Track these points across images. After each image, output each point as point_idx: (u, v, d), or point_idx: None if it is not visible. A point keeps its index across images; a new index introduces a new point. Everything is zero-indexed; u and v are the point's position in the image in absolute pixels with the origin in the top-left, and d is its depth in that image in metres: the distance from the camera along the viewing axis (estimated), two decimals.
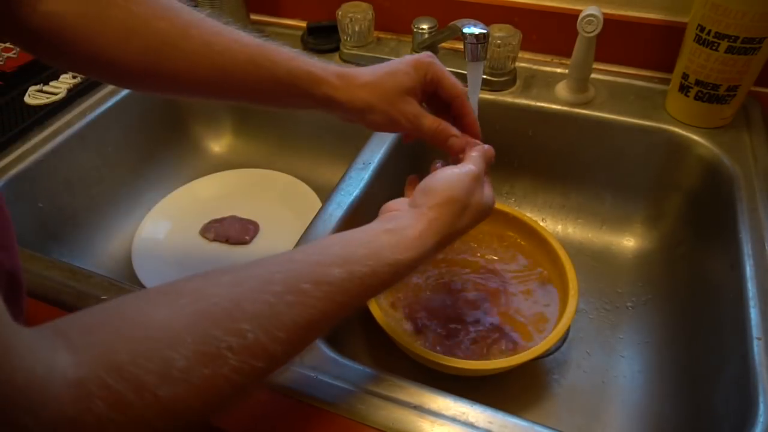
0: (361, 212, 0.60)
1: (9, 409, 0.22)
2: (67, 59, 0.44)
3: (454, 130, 0.49)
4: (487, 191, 0.45)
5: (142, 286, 0.68)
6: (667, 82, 0.72)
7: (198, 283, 0.31)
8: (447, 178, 0.42)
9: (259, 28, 0.84)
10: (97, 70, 0.45)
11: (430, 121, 0.48)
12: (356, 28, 0.80)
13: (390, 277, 0.36)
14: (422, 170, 0.77)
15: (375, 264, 0.35)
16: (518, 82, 0.76)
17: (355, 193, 0.61)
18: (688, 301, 0.64)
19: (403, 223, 0.39)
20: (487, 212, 0.45)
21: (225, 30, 0.45)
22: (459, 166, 0.44)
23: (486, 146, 0.48)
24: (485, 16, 0.76)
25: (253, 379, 0.30)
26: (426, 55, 0.49)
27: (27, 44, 0.44)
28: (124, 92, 0.78)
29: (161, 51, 0.43)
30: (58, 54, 0.44)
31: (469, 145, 0.48)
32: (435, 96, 0.50)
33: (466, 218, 0.42)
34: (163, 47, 0.43)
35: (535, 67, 0.79)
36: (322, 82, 0.46)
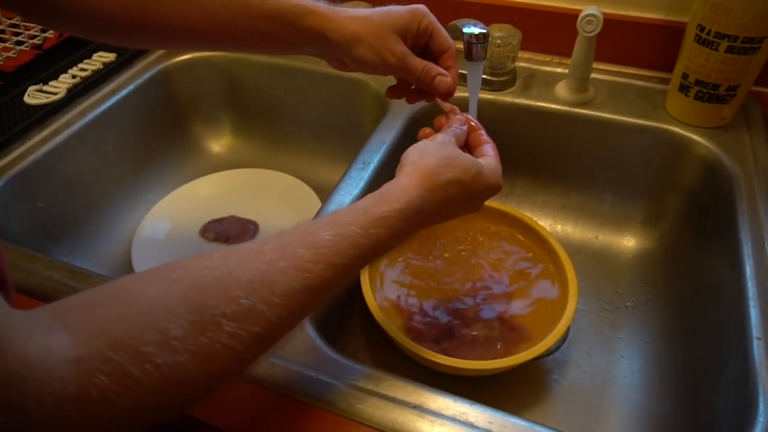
0: None
1: (5, 394, 0.22)
2: (53, 13, 0.44)
3: (442, 70, 0.49)
4: (490, 162, 0.44)
5: None
6: (667, 81, 0.72)
7: (189, 260, 0.31)
8: (416, 144, 0.44)
9: None
10: (86, 22, 0.45)
11: (418, 60, 0.48)
12: None
13: (384, 232, 0.36)
14: None
15: (364, 222, 0.35)
16: (518, 82, 0.76)
17: (354, 193, 0.61)
18: (688, 301, 0.64)
19: (385, 187, 0.40)
20: (473, 167, 0.42)
21: None
22: (434, 138, 0.45)
23: (459, 126, 0.48)
24: (485, 16, 0.76)
25: (253, 347, 0.30)
26: (421, 6, 0.49)
27: (21, 7, 0.44)
28: (124, 92, 0.78)
29: None
30: (46, 10, 0.44)
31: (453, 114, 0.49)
32: (425, 50, 0.50)
33: (452, 171, 0.41)
34: None
35: (535, 67, 0.79)
36: (310, 14, 0.45)
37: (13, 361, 0.23)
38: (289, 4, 0.45)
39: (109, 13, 0.44)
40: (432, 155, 0.41)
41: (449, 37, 0.50)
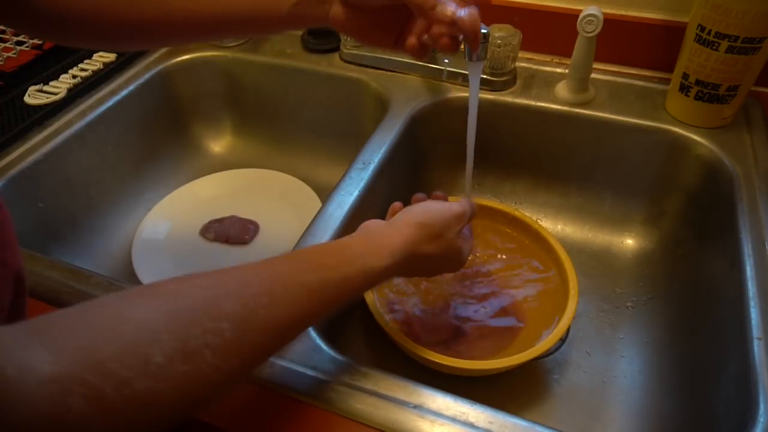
0: (361, 212, 0.60)
1: None
2: (69, 27, 0.44)
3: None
4: (467, 244, 0.48)
5: None
6: (667, 82, 0.72)
7: (177, 284, 0.31)
8: (429, 205, 0.46)
9: None
10: (107, 31, 0.45)
11: None
12: None
13: (361, 282, 0.39)
14: (421, 170, 0.77)
15: (348, 271, 0.38)
16: (518, 82, 0.76)
17: (355, 193, 0.61)
18: (688, 301, 0.64)
19: (378, 235, 0.42)
20: (457, 255, 0.46)
21: None
22: (445, 203, 0.47)
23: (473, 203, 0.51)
24: (485, 16, 0.76)
25: (231, 376, 0.31)
26: None
27: (35, 31, 0.46)
28: (124, 92, 0.78)
29: None
30: (61, 26, 0.44)
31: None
32: None
33: (434, 246, 0.44)
34: None
35: (535, 67, 0.79)
36: None
37: None
38: None
39: (136, 16, 0.44)
40: (432, 227, 0.44)
41: None
